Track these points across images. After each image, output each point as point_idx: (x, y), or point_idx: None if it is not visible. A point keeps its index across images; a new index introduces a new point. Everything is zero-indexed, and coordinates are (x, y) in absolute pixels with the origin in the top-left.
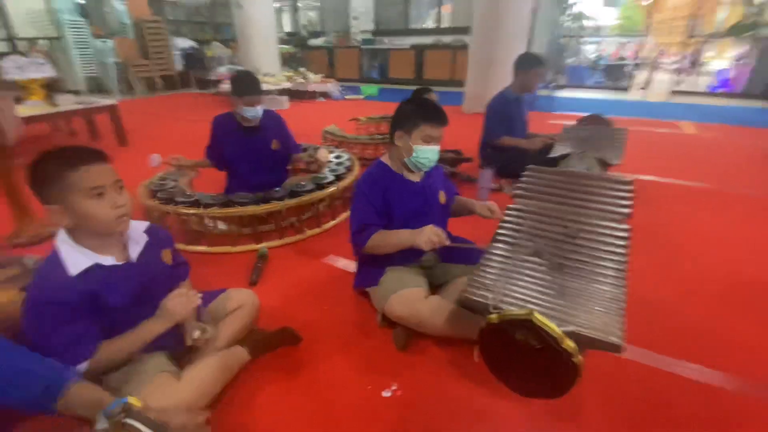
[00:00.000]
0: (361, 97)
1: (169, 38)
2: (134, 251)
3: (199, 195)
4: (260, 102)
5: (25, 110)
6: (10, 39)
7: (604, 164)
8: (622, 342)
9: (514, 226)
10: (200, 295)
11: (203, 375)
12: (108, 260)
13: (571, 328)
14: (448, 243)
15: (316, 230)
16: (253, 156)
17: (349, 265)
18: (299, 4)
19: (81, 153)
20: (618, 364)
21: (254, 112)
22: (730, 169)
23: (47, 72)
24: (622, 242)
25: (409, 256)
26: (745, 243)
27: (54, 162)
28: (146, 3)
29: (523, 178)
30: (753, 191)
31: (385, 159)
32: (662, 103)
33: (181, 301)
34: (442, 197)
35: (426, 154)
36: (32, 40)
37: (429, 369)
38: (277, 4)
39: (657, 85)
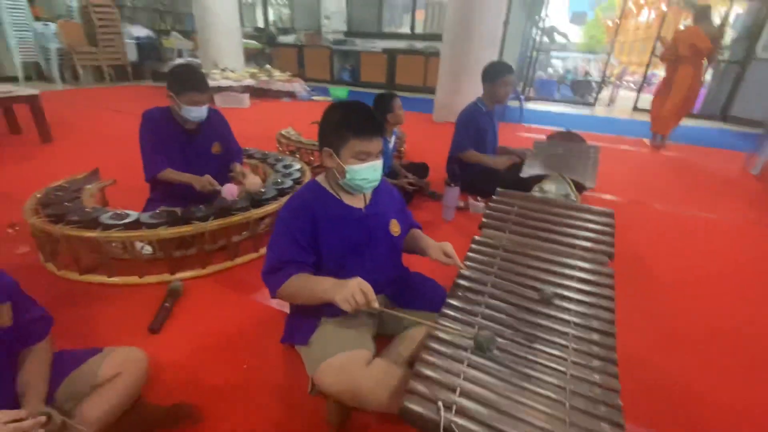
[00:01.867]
0: (329, 99)
1: (121, 25)
2: None
3: (100, 212)
4: (206, 101)
5: None
6: None
7: (580, 188)
8: None
9: (476, 279)
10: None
11: None
12: None
13: None
14: (376, 306)
15: (253, 255)
16: (189, 161)
17: (285, 303)
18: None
19: None
20: None
21: (199, 113)
22: (699, 190)
23: None
24: (607, 292)
25: None
26: (725, 280)
27: None
28: None
29: (491, 204)
30: (722, 215)
31: (320, 179)
32: (627, 120)
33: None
34: (394, 227)
35: (363, 174)
36: None
37: None
38: None
39: (621, 102)
